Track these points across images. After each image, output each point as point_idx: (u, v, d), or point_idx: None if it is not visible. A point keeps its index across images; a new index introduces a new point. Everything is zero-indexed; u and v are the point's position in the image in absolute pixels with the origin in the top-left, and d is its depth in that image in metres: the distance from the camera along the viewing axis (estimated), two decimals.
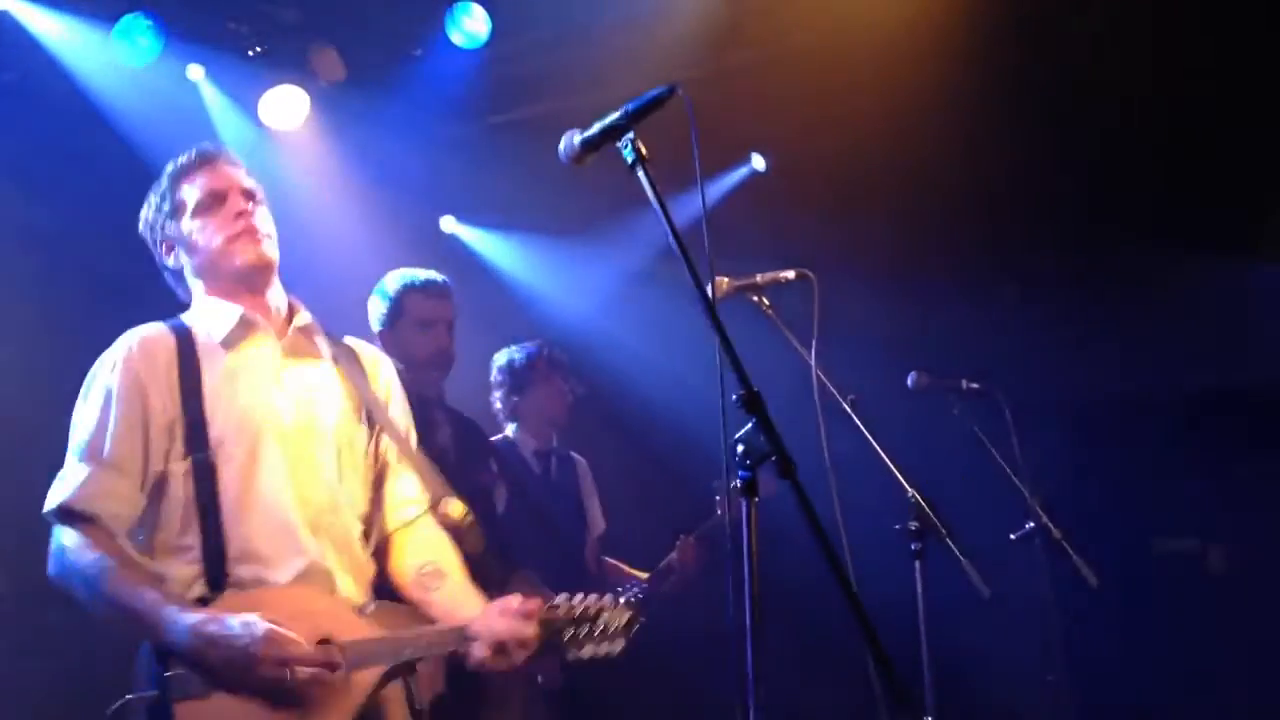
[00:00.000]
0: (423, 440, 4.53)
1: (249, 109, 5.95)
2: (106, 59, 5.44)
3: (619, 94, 2.53)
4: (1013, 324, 6.58)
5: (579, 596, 3.12)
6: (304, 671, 2.77)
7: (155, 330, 3.08)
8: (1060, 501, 5.06)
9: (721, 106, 5.82)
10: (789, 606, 4.63)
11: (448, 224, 7.30)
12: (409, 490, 3.24)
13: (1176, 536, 6.43)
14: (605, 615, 3.12)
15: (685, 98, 2.43)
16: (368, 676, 2.89)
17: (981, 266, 6.64)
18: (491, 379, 5.55)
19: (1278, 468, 6.01)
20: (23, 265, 5.56)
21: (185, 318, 3.16)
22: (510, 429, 5.47)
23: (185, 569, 2.90)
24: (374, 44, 5.99)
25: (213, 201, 3.13)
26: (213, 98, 5.93)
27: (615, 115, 2.47)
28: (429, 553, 3.19)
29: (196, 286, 3.19)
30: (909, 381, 4.78)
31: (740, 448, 2.18)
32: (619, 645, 3.12)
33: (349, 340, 3.34)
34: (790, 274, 3.78)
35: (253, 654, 2.72)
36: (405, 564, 3.18)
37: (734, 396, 2.19)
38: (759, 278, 3.80)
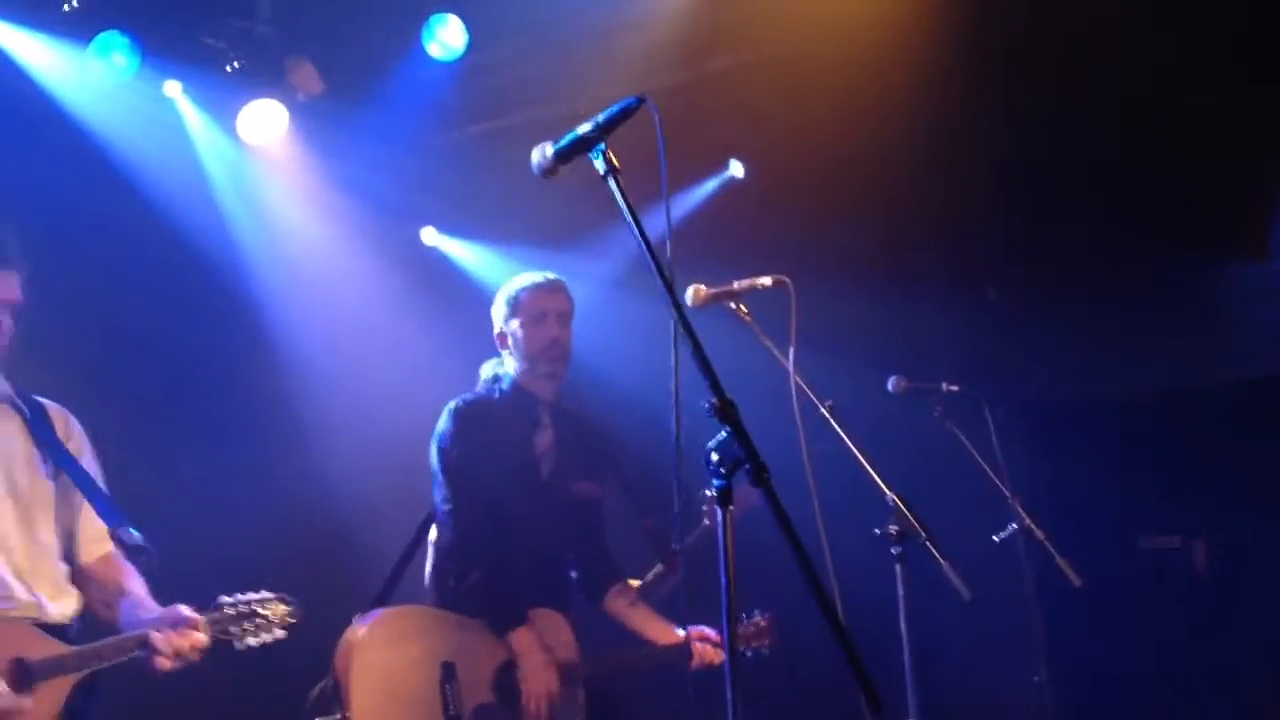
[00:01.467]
0: (525, 442, 4.54)
1: (227, 124, 5.95)
2: (84, 76, 5.44)
3: (597, 102, 2.54)
4: (991, 326, 6.59)
5: (237, 597, 3.60)
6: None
7: None
8: (1042, 502, 5.08)
9: (699, 114, 5.85)
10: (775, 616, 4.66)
11: (429, 235, 7.30)
12: (93, 530, 3.68)
13: (1158, 534, 6.44)
14: (265, 609, 3.61)
15: (653, 108, 2.44)
16: (61, 686, 3.35)
17: (959, 269, 6.66)
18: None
19: (1258, 463, 6.04)
20: None
21: None
22: None
23: None
24: (351, 57, 6.00)
25: None
26: (191, 113, 5.93)
27: (586, 127, 2.48)
28: (117, 579, 3.68)
29: None
30: (889, 385, 4.80)
31: (714, 456, 2.19)
32: (280, 633, 3.62)
33: (39, 399, 3.74)
34: (767, 280, 3.78)
35: None
36: (93, 593, 3.67)
37: (706, 404, 2.19)
38: (736, 285, 3.80)
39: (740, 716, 2.20)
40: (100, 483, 3.71)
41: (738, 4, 5.86)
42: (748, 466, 2.16)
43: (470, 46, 5.87)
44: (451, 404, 4.56)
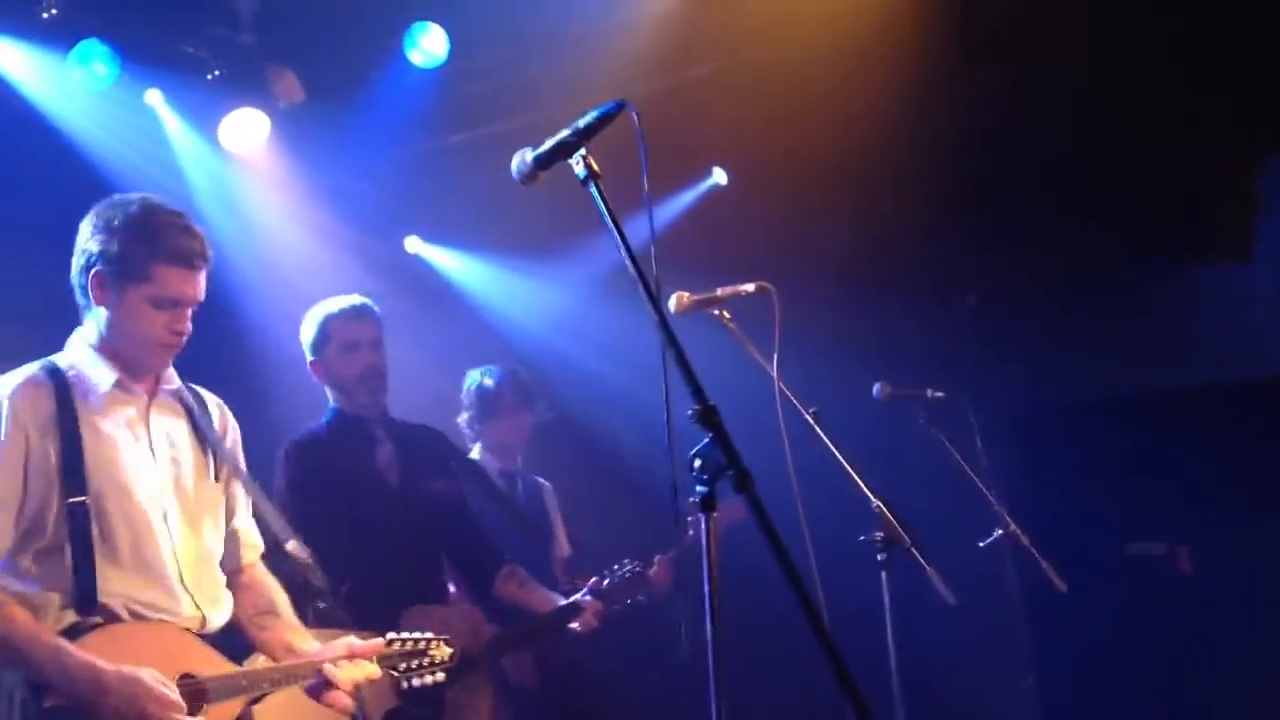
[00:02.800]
0: (364, 460, 4.60)
1: (209, 133, 5.93)
2: (64, 85, 5.41)
3: (579, 109, 2.53)
4: (974, 332, 6.61)
5: (403, 635, 3.50)
6: None
7: (36, 381, 3.16)
8: (1027, 508, 5.08)
9: (682, 121, 5.85)
10: (755, 628, 4.66)
11: (412, 244, 7.28)
12: (249, 535, 3.53)
13: (1144, 540, 6.45)
14: (432, 650, 3.52)
15: (633, 113, 2.44)
16: (231, 708, 3.16)
17: (941, 275, 6.66)
18: (461, 397, 5.56)
19: (1243, 468, 6.04)
20: None
21: (61, 363, 3.24)
22: (475, 449, 5.49)
23: (53, 599, 3.05)
24: (332, 65, 5.99)
25: (170, 305, 3.21)
26: (172, 122, 5.90)
27: (566, 132, 2.47)
28: (265, 594, 3.50)
29: (88, 333, 3.27)
30: (874, 391, 4.80)
31: (697, 462, 2.18)
32: (441, 676, 3.52)
33: (197, 388, 3.49)
34: (750, 287, 3.78)
35: (139, 710, 2.91)
36: (244, 602, 3.46)
37: (689, 411, 2.18)
38: (719, 291, 3.80)
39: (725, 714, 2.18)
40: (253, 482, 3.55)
41: (718, 10, 5.87)
42: (731, 473, 2.15)
43: (452, 54, 5.86)
44: (281, 450, 4.65)
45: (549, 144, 2.49)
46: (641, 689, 5.73)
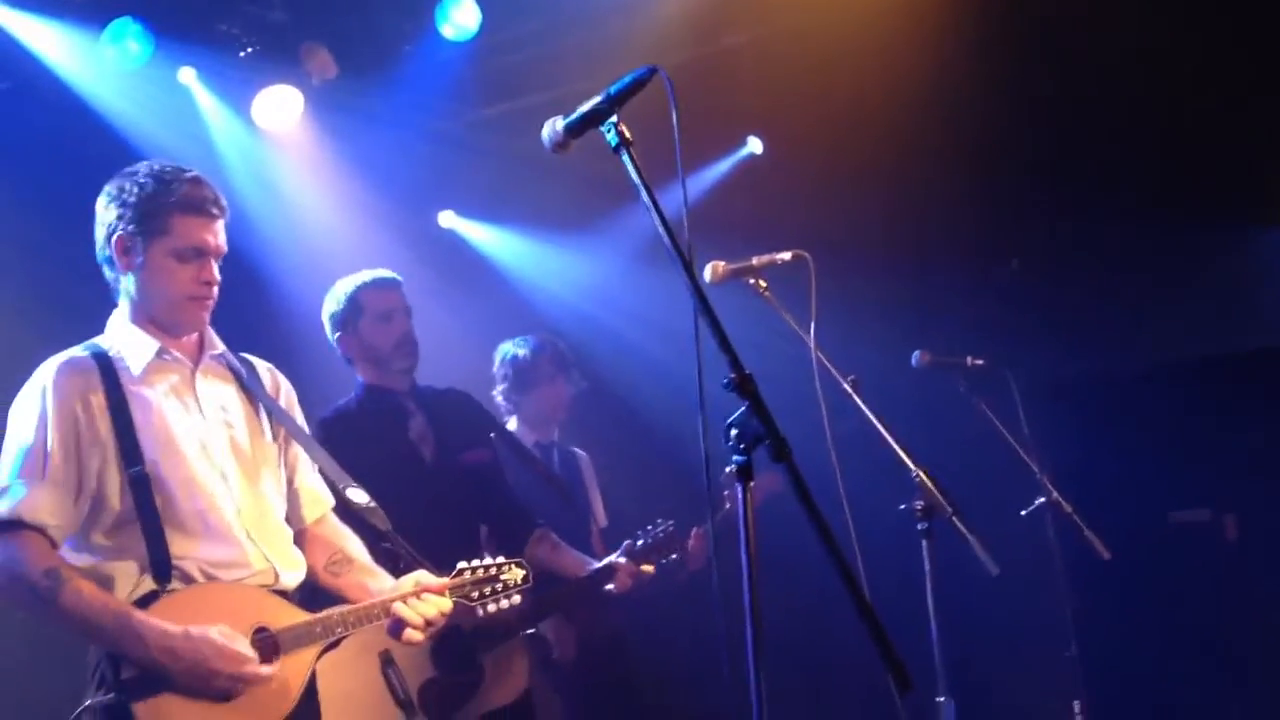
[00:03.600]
0: (397, 434, 4.59)
1: (242, 110, 5.93)
2: (98, 64, 5.42)
3: (612, 80, 2.50)
4: (1016, 298, 6.54)
5: (474, 562, 3.49)
6: (253, 682, 3.06)
7: (78, 360, 3.20)
8: (1069, 475, 5.03)
9: (716, 90, 5.81)
10: (795, 600, 4.64)
11: (446, 218, 7.27)
12: (314, 490, 3.55)
13: (1188, 508, 6.38)
14: (504, 574, 3.51)
15: (665, 79, 2.41)
16: (306, 656, 3.20)
17: (982, 241, 6.60)
18: (494, 370, 5.55)
19: None
20: (17, 272, 5.54)
21: (102, 343, 3.27)
22: (511, 422, 5.48)
23: (130, 568, 3.09)
24: (365, 40, 5.96)
25: (191, 255, 3.22)
26: (205, 100, 5.90)
27: (597, 99, 2.44)
28: (337, 543, 3.53)
29: (124, 309, 3.30)
30: (913, 360, 4.75)
31: (734, 432, 2.15)
32: (517, 599, 3.52)
33: (246, 355, 3.52)
34: (786, 255, 3.75)
35: (211, 669, 2.98)
36: (316, 556, 3.48)
37: (725, 380, 2.16)
38: (755, 260, 3.77)
39: (764, 688, 2.16)
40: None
41: None
42: (768, 442, 2.12)
43: (484, 27, 5.83)
44: (311, 427, 4.62)
45: (580, 111, 2.46)
46: (680, 662, 5.72)
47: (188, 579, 3.11)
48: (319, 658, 3.23)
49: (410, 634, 3.28)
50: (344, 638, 3.26)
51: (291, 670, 3.16)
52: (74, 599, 2.97)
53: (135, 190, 3.21)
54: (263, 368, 3.53)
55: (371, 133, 6.30)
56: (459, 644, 4.31)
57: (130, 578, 3.08)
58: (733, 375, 2.16)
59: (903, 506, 3.81)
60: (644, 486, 6.06)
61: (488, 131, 6.54)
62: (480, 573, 3.48)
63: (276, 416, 3.44)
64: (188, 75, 5.77)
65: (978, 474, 4.91)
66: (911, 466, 3.75)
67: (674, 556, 5.02)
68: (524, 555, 4.81)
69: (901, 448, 3.75)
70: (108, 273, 3.31)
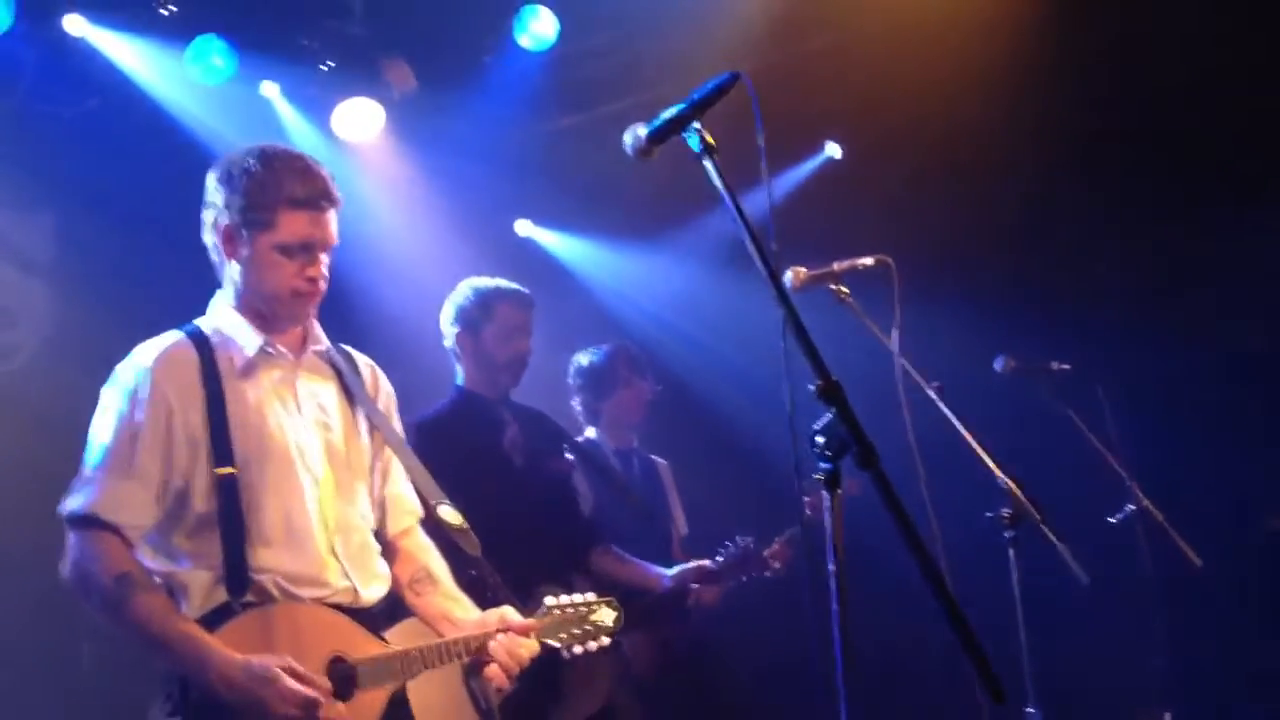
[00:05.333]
0: (492, 442, 4.59)
1: (323, 123, 6.00)
2: (183, 80, 5.53)
3: (689, 88, 2.49)
4: (1101, 299, 6.43)
5: (563, 599, 3.31)
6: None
7: (177, 347, 3.06)
8: (1160, 481, 4.93)
9: (794, 95, 5.76)
10: (882, 609, 4.59)
11: (523, 227, 7.31)
12: (405, 500, 3.35)
13: None
14: (594, 615, 3.32)
15: (748, 83, 2.39)
16: (380, 695, 3.00)
17: (1066, 241, 6.49)
18: (570, 381, 5.55)
19: None
20: (111, 284, 5.66)
21: (204, 327, 3.13)
22: (591, 431, 5.48)
23: (204, 577, 2.94)
24: (443, 52, 6.02)
25: (297, 250, 3.07)
26: (288, 113, 5.99)
27: (680, 105, 2.43)
28: (421, 559, 3.34)
29: (228, 293, 3.16)
30: (996, 365, 4.69)
31: (820, 439, 2.13)
32: (606, 641, 3.31)
33: (348, 349, 3.35)
34: (869, 260, 3.72)
35: (269, 709, 2.79)
36: (400, 569, 3.30)
37: (811, 387, 2.13)
38: (836, 266, 3.75)
39: (855, 703, 2.14)
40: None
41: None
42: (855, 450, 2.09)
43: (561, 36, 5.86)
44: None
45: (663, 117, 2.44)
46: (763, 671, 5.69)
47: (263, 594, 2.94)
48: (390, 698, 3.02)
49: (494, 672, 3.12)
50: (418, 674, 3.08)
51: (366, 707, 2.96)
52: (142, 610, 2.84)
53: (244, 179, 3.06)
54: (364, 364, 3.35)
55: (450, 143, 6.35)
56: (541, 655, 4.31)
57: (203, 588, 2.93)
58: (819, 382, 2.13)
59: (989, 514, 3.76)
60: (725, 494, 6.04)
61: (566, 140, 6.57)
62: (570, 612, 3.29)
63: (374, 419, 3.25)
64: (270, 90, 5.87)
65: (1065, 481, 4.83)
66: (998, 474, 3.70)
67: (752, 575, 5.01)
68: (589, 567, 4.84)
69: (988, 455, 3.70)
70: (212, 256, 3.16)
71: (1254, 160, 5.96)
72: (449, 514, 3.23)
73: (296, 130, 6.03)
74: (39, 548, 5.23)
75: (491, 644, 3.11)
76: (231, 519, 2.95)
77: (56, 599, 5.26)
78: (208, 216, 3.13)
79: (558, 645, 3.24)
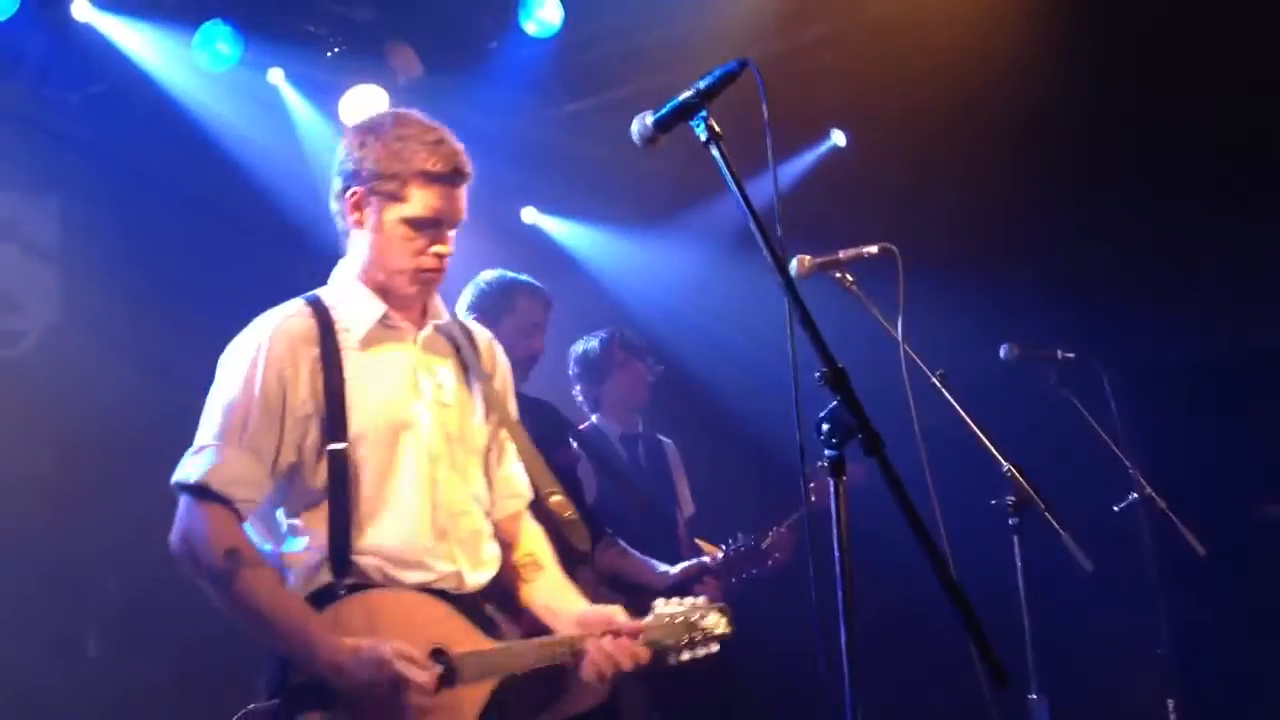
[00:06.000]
0: None
1: (329, 109, 6.01)
2: (189, 66, 5.53)
3: (695, 75, 2.50)
4: (1105, 288, 6.43)
5: (673, 602, 3.16)
6: (426, 711, 2.77)
7: (298, 317, 2.96)
8: (1164, 469, 4.93)
9: (799, 83, 5.78)
10: (885, 596, 4.60)
11: (529, 215, 7.31)
12: (515, 483, 3.23)
13: None
14: (704, 621, 3.17)
15: (756, 71, 2.40)
16: (480, 691, 2.88)
17: (1070, 230, 6.50)
18: (570, 371, 5.56)
19: None
20: (117, 269, 5.68)
21: (325, 296, 3.03)
22: (595, 418, 5.49)
23: (309, 557, 2.85)
24: (449, 38, 6.02)
25: (426, 225, 2.97)
26: (294, 99, 6.00)
27: (687, 93, 2.44)
28: (528, 545, 3.22)
29: (351, 263, 3.05)
30: (1001, 353, 4.70)
31: (825, 426, 2.14)
32: (715, 648, 3.17)
33: (465, 323, 3.26)
34: (873, 249, 3.73)
35: (379, 694, 2.70)
36: (506, 554, 3.16)
37: (817, 374, 2.14)
38: (841, 254, 3.76)
39: (859, 690, 2.15)
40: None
41: None
42: (860, 436, 2.11)
43: (567, 23, 5.85)
44: None
45: (670, 106, 2.46)
46: (766, 662, 5.71)
47: (366, 578, 2.84)
48: (491, 694, 2.90)
49: (590, 672, 2.98)
50: (523, 672, 2.95)
51: (468, 701, 2.85)
52: (250, 587, 2.75)
53: (377, 147, 2.95)
54: (482, 339, 3.25)
55: (455, 129, 6.32)
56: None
57: (307, 568, 2.84)
58: (825, 369, 2.14)
59: (994, 502, 3.77)
60: (731, 480, 6.05)
61: (571, 127, 6.56)
62: (680, 618, 3.13)
63: (490, 398, 3.14)
64: (276, 76, 5.88)
65: (1069, 469, 4.84)
66: (1002, 461, 3.71)
67: (754, 572, 5.01)
68: (592, 559, 4.84)
69: (992, 442, 3.71)
70: (338, 222, 3.06)
71: (1262, 149, 5.95)
72: (560, 504, 3.13)
73: (302, 116, 6.04)
74: (45, 532, 5.33)
75: (590, 644, 2.98)
76: (340, 497, 2.86)
77: (62, 583, 5.37)
78: (336, 183, 3.02)
79: (665, 651, 3.10)
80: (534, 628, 3.11)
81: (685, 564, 5.05)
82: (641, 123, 2.51)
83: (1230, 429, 6.12)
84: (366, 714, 2.72)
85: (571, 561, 3.29)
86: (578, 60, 6.21)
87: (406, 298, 3.02)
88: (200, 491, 2.81)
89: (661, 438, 5.64)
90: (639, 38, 6.10)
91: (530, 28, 5.86)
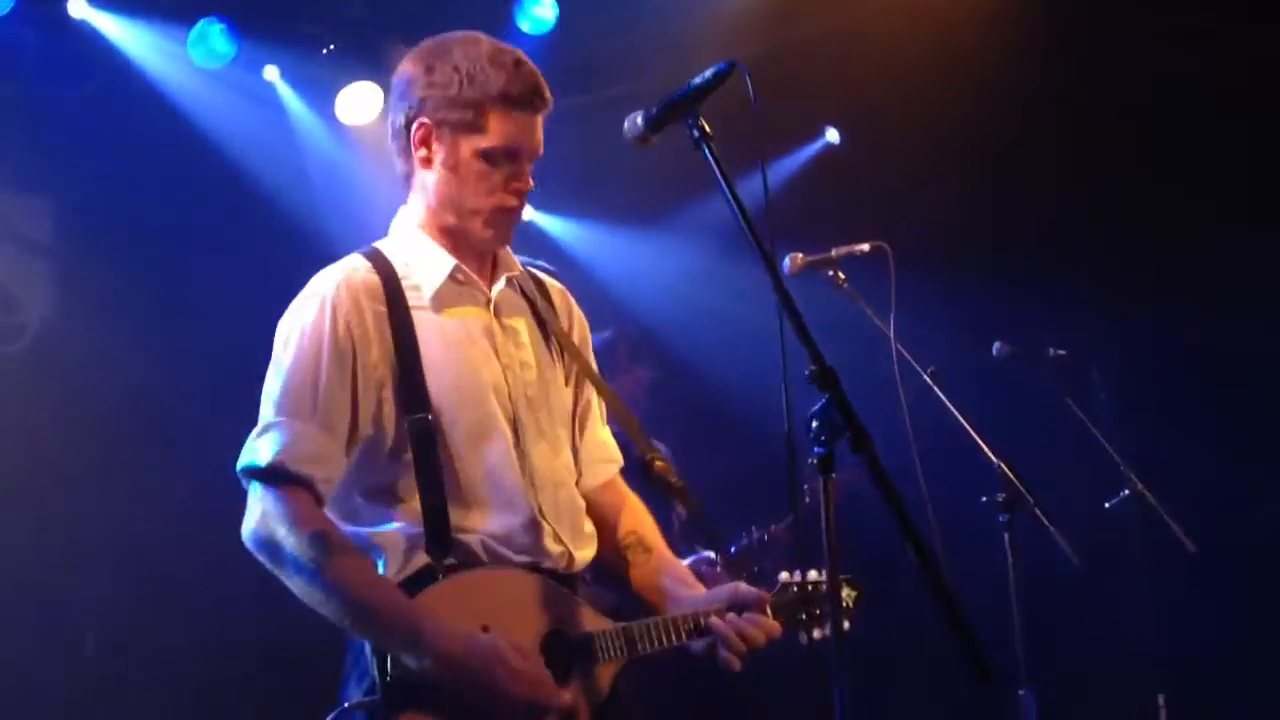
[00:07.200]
0: None
1: (325, 106, 6.02)
2: (184, 64, 5.55)
3: (689, 72, 2.50)
4: (1098, 284, 6.45)
5: (798, 574, 2.83)
6: (546, 708, 2.51)
7: (360, 273, 2.63)
8: (1155, 466, 4.96)
9: (793, 80, 5.79)
10: (877, 591, 4.62)
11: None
12: (605, 447, 2.93)
13: (1276, 499, 6.24)
14: (840, 592, 2.82)
15: (745, 72, 2.40)
16: (603, 675, 2.62)
17: (1064, 227, 6.51)
18: None
19: None
20: (113, 265, 5.69)
21: (388, 252, 2.70)
22: None
23: (402, 538, 2.55)
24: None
25: (504, 158, 2.66)
26: (289, 96, 6.01)
27: (677, 94, 2.45)
28: (629, 522, 2.90)
29: (414, 210, 2.74)
30: (994, 351, 4.71)
31: (814, 424, 2.16)
32: (847, 625, 2.75)
33: (535, 272, 2.91)
34: (865, 246, 3.76)
35: (497, 689, 2.43)
36: (603, 530, 2.84)
37: (806, 372, 2.16)
38: (834, 252, 3.79)
39: (846, 688, 2.17)
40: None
41: None
42: (848, 435, 2.12)
43: (560, 20, 5.87)
44: None
45: (660, 106, 2.47)
46: (760, 658, 5.71)
47: (470, 557, 2.54)
48: (614, 677, 2.63)
49: (729, 657, 2.66)
50: (645, 655, 2.66)
51: (588, 690, 2.58)
52: (343, 574, 2.44)
53: (447, 71, 2.65)
54: (556, 291, 2.90)
55: None
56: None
57: (400, 551, 2.53)
58: (814, 368, 2.16)
59: (985, 499, 3.79)
60: (722, 479, 6.06)
61: (564, 124, 6.49)
62: (809, 590, 2.80)
63: (571, 355, 2.82)
64: (272, 73, 5.89)
65: (1061, 466, 4.86)
66: (993, 458, 3.74)
67: (755, 570, 5.02)
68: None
69: (983, 439, 3.73)
70: (399, 164, 2.73)
71: (1256, 151, 5.97)
72: (665, 468, 2.82)
73: (298, 113, 6.05)
74: (42, 531, 5.34)
75: (717, 621, 2.66)
76: (430, 472, 2.55)
77: (58, 583, 5.37)
78: (398, 117, 2.69)
79: (795, 626, 2.77)
80: (647, 612, 2.79)
81: (693, 559, 5.04)
82: (632, 122, 2.52)
83: (1223, 425, 6.14)
84: (479, 708, 2.45)
85: (676, 528, 3.05)
86: (572, 57, 6.22)
87: (480, 243, 2.69)
88: (275, 474, 2.49)
89: (655, 442, 5.64)
90: (633, 36, 6.11)
91: (525, 25, 5.89)
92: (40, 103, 5.56)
